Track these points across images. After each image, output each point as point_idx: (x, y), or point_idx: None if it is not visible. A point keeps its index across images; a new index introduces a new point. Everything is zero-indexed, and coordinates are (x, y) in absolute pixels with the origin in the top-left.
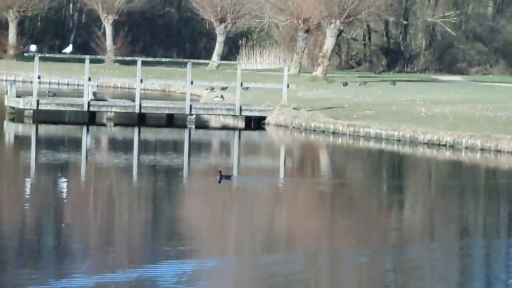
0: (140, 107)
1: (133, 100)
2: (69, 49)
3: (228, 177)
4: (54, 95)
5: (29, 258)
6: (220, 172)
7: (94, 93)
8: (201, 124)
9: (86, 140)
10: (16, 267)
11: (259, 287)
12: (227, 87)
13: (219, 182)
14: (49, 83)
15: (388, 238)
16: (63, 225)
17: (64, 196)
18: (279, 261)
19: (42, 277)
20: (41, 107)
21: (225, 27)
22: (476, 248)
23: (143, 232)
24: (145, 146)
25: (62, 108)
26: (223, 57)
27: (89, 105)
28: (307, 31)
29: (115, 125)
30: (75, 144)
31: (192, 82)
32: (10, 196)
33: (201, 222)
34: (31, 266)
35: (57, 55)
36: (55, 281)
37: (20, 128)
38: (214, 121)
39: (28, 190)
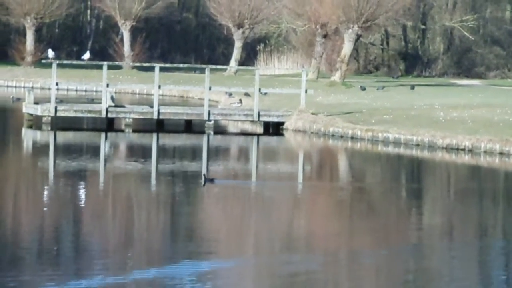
0: (159, 113)
1: (151, 106)
2: (86, 55)
3: (212, 180)
4: (61, 101)
5: (49, 259)
6: (204, 175)
7: (112, 97)
8: (220, 130)
9: (105, 147)
10: (37, 268)
11: (278, 285)
12: (249, 95)
13: (203, 185)
14: (67, 89)
15: (407, 239)
16: (82, 228)
17: (83, 201)
18: (298, 261)
19: (63, 277)
20: (59, 113)
21: (243, 32)
22: (495, 249)
23: (162, 233)
24: (163, 152)
25: (80, 115)
26: (241, 62)
27: (107, 112)
28: (325, 36)
29: (133, 131)
30: (94, 150)
31: (210, 88)
32: (29, 202)
33: (220, 224)
34: (52, 267)
35: (74, 62)
36: (75, 281)
37: (38, 135)
38: (232, 127)
39: (47, 196)
